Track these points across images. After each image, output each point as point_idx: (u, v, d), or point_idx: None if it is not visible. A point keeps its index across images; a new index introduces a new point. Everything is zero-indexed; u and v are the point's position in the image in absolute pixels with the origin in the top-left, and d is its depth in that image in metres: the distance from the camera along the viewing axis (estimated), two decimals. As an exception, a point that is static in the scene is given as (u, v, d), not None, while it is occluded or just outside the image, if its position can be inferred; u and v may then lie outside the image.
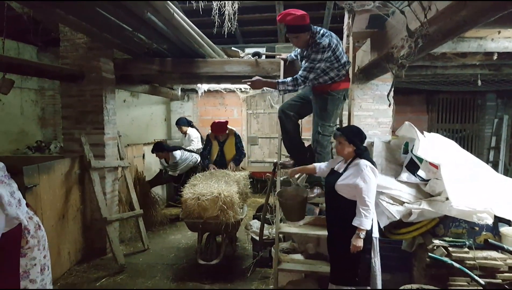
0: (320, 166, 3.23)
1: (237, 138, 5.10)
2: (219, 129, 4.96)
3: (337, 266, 2.88)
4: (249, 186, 4.63)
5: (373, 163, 2.81)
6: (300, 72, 3.29)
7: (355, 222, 2.67)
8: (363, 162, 2.74)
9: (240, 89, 7.98)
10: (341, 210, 2.81)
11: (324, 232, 3.47)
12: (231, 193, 3.77)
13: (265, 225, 4.10)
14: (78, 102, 4.43)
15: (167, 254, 4.56)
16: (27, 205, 2.38)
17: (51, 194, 3.68)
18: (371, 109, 4.65)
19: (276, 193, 3.35)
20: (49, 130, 7.74)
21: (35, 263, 2.23)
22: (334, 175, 2.92)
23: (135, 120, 8.47)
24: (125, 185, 4.87)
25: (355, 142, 2.83)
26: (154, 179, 6.12)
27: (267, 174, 5.76)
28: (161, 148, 5.63)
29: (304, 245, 3.67)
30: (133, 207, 4.80)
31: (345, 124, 3.98)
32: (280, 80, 3.36)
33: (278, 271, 3.41)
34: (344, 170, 2.84)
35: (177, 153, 5.63)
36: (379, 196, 3.29)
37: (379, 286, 2.88)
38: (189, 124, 6.66)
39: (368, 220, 2.64)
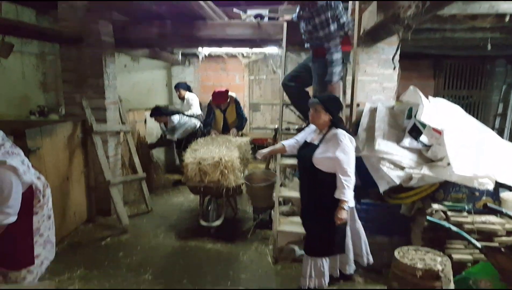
0: (290, 143, 3.12)
1: (238, 104, 5.15)
2: (220, 98, 5.00)
3: (314, 240, 2.89)
4: (250, 152, 4.65)
5: (349, 132, 2.76)
6: (326, 46, 3.26)
7: (337, 195, 2.63)
8: (341, 132, 2.68)
9: (242, 54, 7.82)
10: (319, 184, 2.75)
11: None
12: (232, 158, 3.79)
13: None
14: (78, 66, 4.38)
15: (170, 216, 4.66)
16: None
17: (54, 157, 3.72)
18: (376, 74, 4.56)
19: (244, 176, 3.25)
20: (51, 94, 7.68)
21: (44, 219, 2.30)
22: (309, 147, 2.82)
23: (136, 85, 8.38)
24: (128, 150, 4.91)
25: (332, 111, 2.74)
26: (154, 142, 6.16)
27: (268, 140, 5.77)
28: (160, 112, 5.64)
29: (304, 208, 3.72)
30: (136, 170, 4.86)
31: (348, 90, 3.92)
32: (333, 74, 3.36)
33: (278, 233, 3.49)
34: (320, 142, 2.76)
35: (175, 118, 5.64)
36: (380, 161, 3.28)
37: (351, 250, 3.00)
38: (188, 89, 6.65)
39: (350, 191, 2.62)
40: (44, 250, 2.34)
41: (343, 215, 2.62)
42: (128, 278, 3.21)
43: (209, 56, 7.96)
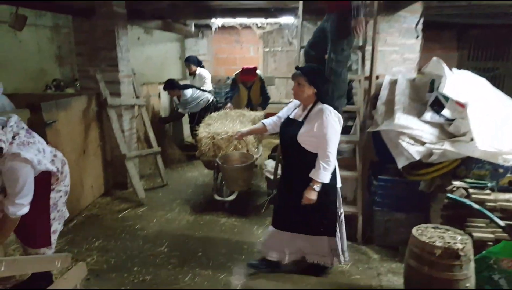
0: (271, 122, 2.91)
1: (263, 82, 5.15)
2: (249, 75, 5.00)
3: (303, 219, 2.69)
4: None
5: (336, 108, 2.55)
6: None
7: (312, 174, 2.46)
8: (327, 108, 2.46)
9: (256, 24, 7.59)
10: (304, 164, 2.52)
11: (341, 172, 3.44)
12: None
13: (280, 164, 4.10)
14: (91, 39, 4.31)
15: (185, 189, 4.68)
16: (48, 142, 2.39)
17: (71, 130, 3.73)
18: (397, 44, 4.36)
19: (218, 157, 3.06)
20: (67, 68, 7.69)
21: (61, 195, 2.32)
22: (293, 125, 2.58)
23: (149, 58, 8.29)
24: (142, 124, 4.90)
25: (317, 84, 2.49)
26: (167, 117, 6.13)
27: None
28: (173, 86, 5.59)
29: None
30: (151, 144, 4.87)
31: (367, 61, 3.76)
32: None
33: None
34: (305, 118, 2.53)
35: (188, 91, 5.59)
36: (399, 136, 3.17)
37: (344, 235, 2.83)
38: (199, 64, 6.45)
39: (327, 173, 2.43)
40: (60, 225, 2.37)
41: (312, 195, 2.45)
42: (144, 250, 3.26)
43: (223, 28, 7.77)
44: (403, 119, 3.26)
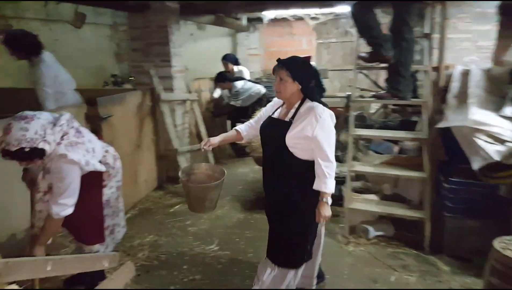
0: (246, 128, 2.45)
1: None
2: None
3: (281, 246, 2.22)
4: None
5: (326, 106, 2.12)
6: None
7: (317, 186, 2.03)
8: (318, 106, 2.06)
9: (309, 15, 7.31)
10: (289, 172, 2.10)
11: (405, 172, 3.16)
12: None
13: (336, 162, 3.88)
14: (145, 34, 4.36)
15: (235, 186, 4.61)
16: (100, 137, 2.38)
17: (125, 125, 3.79)
18: (469, 31, 3.90)
19: (181, 169, 2.39)
20: (124, 64, 8.00)
21: (113, 190, 2.30)
22: (278, 125, 2.13)
23: (202, 54, 8.34)
24: (194, 118, 4.90)
25: (301, 79, 2.07)
26: (219, 110, 6.07)
27: (338, 109, 5.36)
28: (223, 78, 5.51)
29: (379, 185, 3.40)
30: (202, 139, 4.84)
31: (436, 49, 3.39)
32: None
33: (350, 211, 3.24)
34: (293, 118, 2.09)
35: (239, 83, 5.48)
36: (474, 133, 2.80)
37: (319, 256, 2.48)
38: (236, 62, 6.26)
39: (332, 181, 2.03)
40: (118, 217, 2.36)
41: (327, 211, 2.05)
42: (195, 247, 3.21)
43: (275, 20, 7.59)
44: (479, 115, 2.89)
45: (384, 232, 3.26)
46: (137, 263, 2.95)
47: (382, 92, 3.50)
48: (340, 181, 3.75)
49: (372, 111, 4.74)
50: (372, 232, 3.21)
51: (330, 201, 2.06)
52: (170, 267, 2.93)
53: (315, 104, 2.06)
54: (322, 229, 2.40)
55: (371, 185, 3.62)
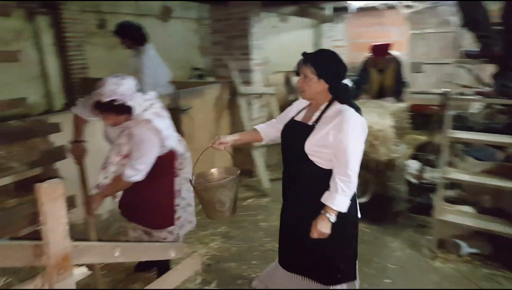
0: (266, 127, 2.18)
1: (400, 66, 4.35)
2: (381, 51, 4.30)
3: (310, 261, 2.02)
4: (408, 121, 4.01)
5: (359, 111, 1.82)
6: None
7: (325, 199, 1.79)
8: (348, 110, 1.77)
9: (402, 3, 6.79)
10: (311, 183, 1.88)
11: (510, 184, 2.75)
12: (384, 127, 3.30)
13: (426, 167, 3.54)
14: (226, 27, 4.44)
15: (310, 185, 4.48)
16: (181, 128, 2.49)
17: (204, 117, 3.93)
18: None
19: (194, 174, 2.12)
20: (208, 58, 8.36)
21: (183, 182, 2.37)
22: (300, 129, 1.90)
23: (283, 46, 8.31)
24: (271, 113, 4.88)
25: (330, 77, 1.78)
26: None
27: (432, 107, 4.87)
28: None
29: (477, 196, 3.01)
30: (278, 135, 4.82)
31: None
32: None
33: (440, 222, 2.92)
34: (316, 122, 1.84)
35: None
36: None
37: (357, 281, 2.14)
38: None
39: (346, 198, 1.76)
40: (185, 212, 2.43)
41: (324, 227, 1.78)
42: (266, 243, 3.20)
43: (362, 9, 7.22)
44: None
45: (479, 250, 2.88)
46: (208, 252, 3.05)
47: (488, 89, 3.08)
48: (430, 188, 3.43)
49: (474, 111, 4.22)
50: (465, 248, 2.86)
51: (333, 219, 1.77)
52: (239, 260, 2.95)
53: (345, 107, 1.78)
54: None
55: (468, 196, 3.22)
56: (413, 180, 3.53)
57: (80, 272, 1.22)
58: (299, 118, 1.97)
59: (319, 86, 1.79)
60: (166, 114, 2.24)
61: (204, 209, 2.03)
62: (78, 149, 2.27)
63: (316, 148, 1.79)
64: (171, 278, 1.62)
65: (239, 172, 2.10)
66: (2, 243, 1.04)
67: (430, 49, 7.00)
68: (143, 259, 1.53)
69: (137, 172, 2.03)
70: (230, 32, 4.42)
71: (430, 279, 2.71)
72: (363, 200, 3.61)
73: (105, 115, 1.98)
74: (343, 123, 1.71)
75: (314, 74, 1.77)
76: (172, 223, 2.30)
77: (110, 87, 1.90)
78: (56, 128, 2.32)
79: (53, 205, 1.11)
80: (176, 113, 3.51)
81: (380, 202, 3.88)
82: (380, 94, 4.45)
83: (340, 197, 1.73)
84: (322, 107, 1.85)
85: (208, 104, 4.01)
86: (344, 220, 1.81)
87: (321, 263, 1.99)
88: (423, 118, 6.33)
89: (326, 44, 8.09)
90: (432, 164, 3.55)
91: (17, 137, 2.09)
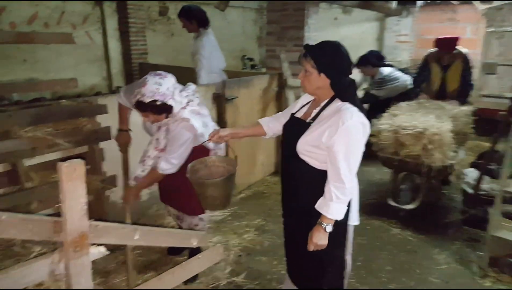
0: (270, 121, 2.04)
1: (467, 64, 3.92)
2: (446, 45, 3.91)
3: (296, 266, 1.96)
4: (471, 126, 3.66)
5: (363, 110, 1.65)
6: None
7: (320, 207, 1.67)
8: (347, 109, 1.61)
9: (480, -2, 6.20)
10: (304, 185, 1.76)
11: None
12: (442, 131, 3.04)
13: (486, 177, 3.22)
14: (281, 17, 4.35)
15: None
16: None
17: (249, 108, 3.90)
18: None
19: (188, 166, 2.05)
20: (264, 48, 8.32)
21: None
22: (296, 125, 1.79)
23: (344, 39, 7.85)
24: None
25: (330, 72, 1.63)
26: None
27: (501, 112, 4.37)
28: (366, 61, 4.81)
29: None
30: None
31: None
32: None
33: (494, 239, 2.66)
34: (314, 119, 1.71)
35: (385, 69, 4.81)
36: None
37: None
38: (380, 60, 5.00)
39: (342, 205, 1.64)
40: None
41: (321, 239, 1.67)
42: (301, 242, 3.13)
43: (433, 3, 6.71)
44: None
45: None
46: (241, 243, 3.04)
47: None
48: (488, 200, 3.11)
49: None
50: (522, 272, 2.57)
51: (330, 228, 1.66)
52: (271, 254, 2.91)
53: (346, 105, 1.64)
54: (348, 259, 1.96)
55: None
56: (470, 190, 3.23)
57: (98, 252, 1.25)
58: (300, 114, 1.84)
59: (319, 81, 1.66)
60: (204, 111, 2.28)
61: (199, 198, 2.02)
62: (122, 138, 2.39)
63: (308, 148, 1.68)
64: (190, 266, 1.63)
65: (237, 166, 2.05)
66: (23, 217, 1.09)
67: (507, 50, 6.34)
68: (164, 244, 1.56)
69: (171, 165, 2.11)
70: (284, 23, 4.33)
71: (478, 300, 2.49)
72: (410, 206, 3.38)
73: (146, 114, 2.04)
74: (338, 123, 1.58)
75: (314, 68, 1.64)
76: (204, 211, 2.33)
77: (151, 88, 1.94)
78: (103, 110, 2.44)
79: (73, 184, 1.14)
80: (221, 102, 3.53)
81: (430, 211, 3.63)
82: (441, 94, 4.07)
83: (335, 205, 1.62)
84: (322, 104, 1.72)
85: (255, 95, 3.98)
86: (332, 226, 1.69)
87: (306, 271, 1.90)
88: (490, 124, 5.76)
89: (390, 39, 7.66)
90: (493, 175, 3.22)
91: (66, 116, 2.23)
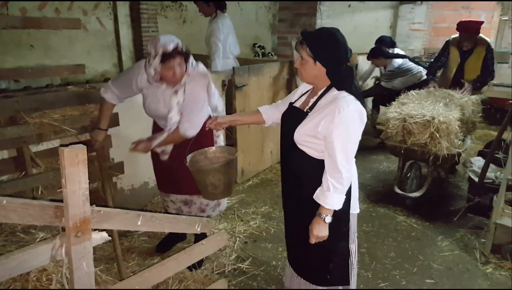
0: (270, 109, 1.97)
1: (489, 52, 3.74)
2: (469, 28, 3.71)
3: (300, 258, 1.90)
4: (480, 114, 3.55)
5: (360, 99, 1.58)
6: None
7: (317, 197, 1.63)
8: (343, 98, 1.56)
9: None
10: (303, 175, 1.72)
11: None
12: (449, 119, 2.97)
13: (492, 165, 3.15)
14: (294, 4, 4.26)
15: (364, 173, 4.24)
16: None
17: (259, 95, 3.85)
18: None
19: (188, 156, 2.00)
20: (276, 36, 8.19)
21: None
22: (294, 114, 1.73)
23: (358, 27, 7.82)
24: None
25: (327, 60, 1.56)
26: (366, 90, 5.49)
27: (510, 101, 4.22)
28: (379, 53, 4.69)
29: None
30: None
31: None
32: None
33: (497, 226, 2.62)
34: (311, 108, 1.65)
35: (398, 60, 4.67)
36: None
37: (354, 283, 1.91)
38: (392, 46, 4.91)
39: (339, 195, 1.59)
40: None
41: (321, 231, 1.64)
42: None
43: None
44: None
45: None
46: (247, 230, 3.04)
47: None
48: (493, 188, 3.05)
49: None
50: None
51: (329, 219, 1.62)
52: (277, 241, 2.90)
53: (342, 94, 1.58)
54: (352, 247, 1.88)
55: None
56: (475, 178, 3.17)
57: (100, 237, 1.25)
58: (298, 103, 1.78)
59: (315, 70, 1.59)
60: (215, 91, 2.31)
61: (199, 188, 2.01)
62: (99, 136, 2.23)
63: (305, 138, 1.63)
64: (195, 251, 1.62)
65: (237, 154, 2.03)
66: (24, 201, 1.08)
67: (522, 37, 6.12)
68: (168, 230, 1.54)
69: (193, 125, 2.11)
70: (297, 10, 4.24)
71: (479, 284, 2.46)
72: (416, 194, 3.33)
73: (172, 68, 1.99)
74: (334, 112, 1.52)
75: (310, 56, 1.57)
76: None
77: (166, 38, 1.99)
78: (111, 96, 2.41)
79: (75, 170, 1.13)
80: (230, 89, 3.50)
81: (436, 199, 3.58)
82: (457, 81, 3.89)
83: (332, 195, 1.58)
84: (319, 93, 1.66)
85: (265, 83, 3.92)
86: (334, 215, 1.64)
87: (310, 262, 1.85)
88: (501, 113, 5.60)
89: (403, 27, 7.46)
90: (499, 163, 3.14)
91: (73, 102, 2.22)
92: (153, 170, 2.46)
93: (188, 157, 1.98)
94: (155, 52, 1.94)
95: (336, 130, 1.53)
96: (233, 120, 2.03)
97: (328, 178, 1.58)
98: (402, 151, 3.30)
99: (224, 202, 2.60)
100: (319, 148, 1.63)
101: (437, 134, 3.01)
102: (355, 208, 1.79)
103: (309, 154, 1.66)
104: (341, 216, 1.69)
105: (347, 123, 1.53)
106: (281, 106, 1.91)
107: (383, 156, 4.78)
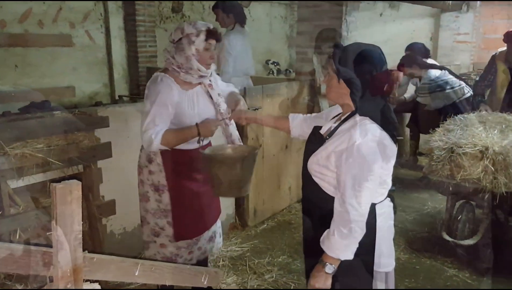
0: (300, 119, 2.06)
1: None
2: None
3: None
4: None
5: (390, 130, 1.62)
6: None
7: (322, 241, 1.63)
8: (365, 126, 1.58)
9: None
10: (319, 213, 1.73)
11: None
12: (507, 149, 3.00)
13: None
14: (315, 14, 4.40)
15: (404, 215, 4.23)
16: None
17: (274, 121, 3.93)
18: None
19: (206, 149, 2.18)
20: (294, 50, 8.40)
21: None
22: (314, 141, 1.78)
23: (391, 38, 8.00)
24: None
25: (349, 81, 1.60)
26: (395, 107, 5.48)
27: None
28: (411, 61, 4.74)
29: None
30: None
31: None
32: None
33: None
34: (330, 134, 1.69)
35: (434, 72, 4.71)
36: None
37: None
38: (426, 54, 5.01)
39: (345, 242, 1.55)
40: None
41: (317, 280, 1.62)
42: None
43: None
44: None
45: None
46: (261, 285, 3.04)
47: None
48: None
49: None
50: None
51: (330, 269, 1.60)
52: (297, 300, 2.91)
53: (364, 121, 1.60)
54: None
55: None
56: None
57: (91, 289, 1.29)
58: (324, 127, 1.80)
59: (339, 89, 1.65)
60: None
61: (215, 185, 2.11)
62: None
63: (317, 168, 1.68)
64: None
65: (256, 151, 2.15)
66: (8, 246, 1.14)
67: None
68: (170, 282, 1.57)
69: None
70: (318, 21, 4.37)
71: None
72: (469, 242, 3.30)
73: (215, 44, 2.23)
74: (350, 141, 1.56)
75: (334, 72, 1.64)
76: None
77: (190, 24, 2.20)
78: (103, 123, 2.51)
79: (67, 209, 1.19)
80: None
81: (494, 246, 3.53)
82: (509, 102, 3.95)
83: (337, 241, 1.56)
84: (343, 118, 1.70)
85: (282, 105, 4.01)
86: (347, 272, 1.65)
87: None
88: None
89: (446, 39, 7.59)
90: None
91: (59, 130, 2.31)
92: (178, 212, 2.31)
93: (206, 150, 2.14)
94: (197, 31, 2.15)
95: (348, 162, 1.54)
96: (259, 119, 2.30)
97: (334, 218, 1.59)
98: (450, 188, 3.31)
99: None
100: (332, 182, 1.65)
101: (492, 168, 3.03)
102: (385, 265, 1.75)
103: (323, 188, 1.69)
104: (359, 273, 1.66)
105: (362, 155, 1.53)
106: (312, 121, 1.97)
107: (427, 194, 4.77)
